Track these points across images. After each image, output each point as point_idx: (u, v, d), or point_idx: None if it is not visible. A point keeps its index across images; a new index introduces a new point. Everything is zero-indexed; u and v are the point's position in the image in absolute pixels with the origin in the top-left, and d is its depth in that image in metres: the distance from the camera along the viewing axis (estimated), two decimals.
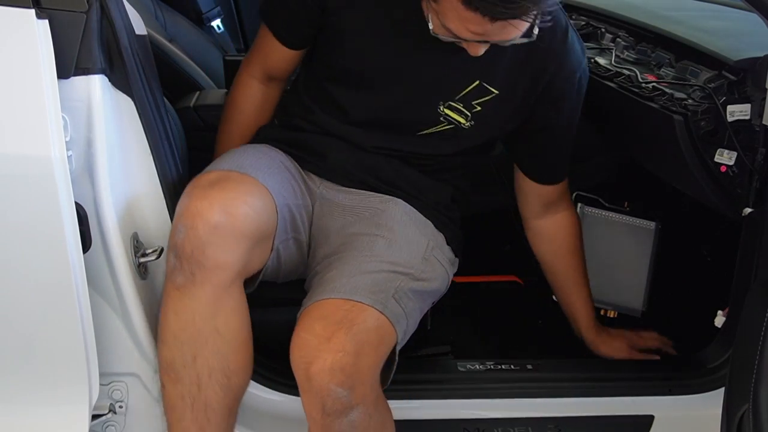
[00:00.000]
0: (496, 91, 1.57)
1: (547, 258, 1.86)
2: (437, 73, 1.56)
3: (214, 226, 1.34)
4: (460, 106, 1.57)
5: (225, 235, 1.35)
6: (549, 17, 1.39)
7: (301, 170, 1.64)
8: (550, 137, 1.71)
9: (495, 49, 1.46)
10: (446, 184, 1.70)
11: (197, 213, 1.35)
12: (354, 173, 1.63)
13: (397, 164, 1.64)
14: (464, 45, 1.44)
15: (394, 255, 1.50)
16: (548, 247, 1.85)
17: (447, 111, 1.58)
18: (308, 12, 1.56)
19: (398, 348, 1.44)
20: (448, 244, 1.66)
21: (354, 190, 1.64)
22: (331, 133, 1.62)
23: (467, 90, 1.57)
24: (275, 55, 1.66)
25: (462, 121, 1.58)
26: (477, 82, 1.56)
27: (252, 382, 1.56)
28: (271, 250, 1.50)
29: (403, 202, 1.63)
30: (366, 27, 1.55)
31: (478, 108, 1.58)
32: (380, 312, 1.38)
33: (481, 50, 1.44)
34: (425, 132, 1.60)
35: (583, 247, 1.88)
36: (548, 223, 1.83)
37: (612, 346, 1.84)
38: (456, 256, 1.71)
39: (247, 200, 1.40)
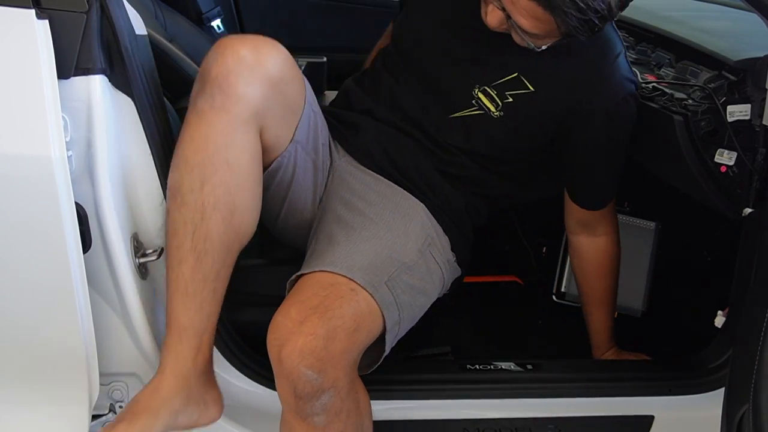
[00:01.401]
0: (532, 89, 1.61)
1: (577, 274, 1.89)
2: (481, 57, 1.63)
3: (241, 57, 1.37)
4: (493, 93, 1.62)
5: (250, 66, 1.38)
6: (579, 33, 1.43)
7: (330, 136, 1.69)
8: (585, 158, 1.71)
9: (542, 54, 1.54)
10: (461, 193, 1.69)
11: (229, 45, 1.38)
12: (374, 154, 1.66)
13: (418, 154, 1.66)
14: (483, 12, 1.54)
15: (391, 240, 1.52)
16: (578, 265, 1.87)
17: (480, 95, 1.62)
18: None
19: (388, 336, 1.44)
20: (452, 250, 1.66)
21: (370, 171, 1.66)
22: (370, 109, 1.69)
23: (505, 79, 1.61)
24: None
25: (492, 108, 1.62)
26: (516, 74, 1.61)
27: (250, 381, 1.57)
28: (292, 140, 1.51)
29: (415, 199, 1.64)
30: (428, 9, 1.70)
31: (510, 99, 1.61)
32: (370, 294, 1.40)
33: (495, 19, 1.50)
34: (456, 114, 1.64)
35: (616, 273, 1.86)
36: (582, 242, 1.83)
37: None
38: (460, 265, 1.71)
39: (280, 51, 1.43)
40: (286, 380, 1.35)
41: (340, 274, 1.40)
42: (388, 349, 1.47)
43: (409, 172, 1.65)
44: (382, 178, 1.65)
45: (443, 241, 1.64)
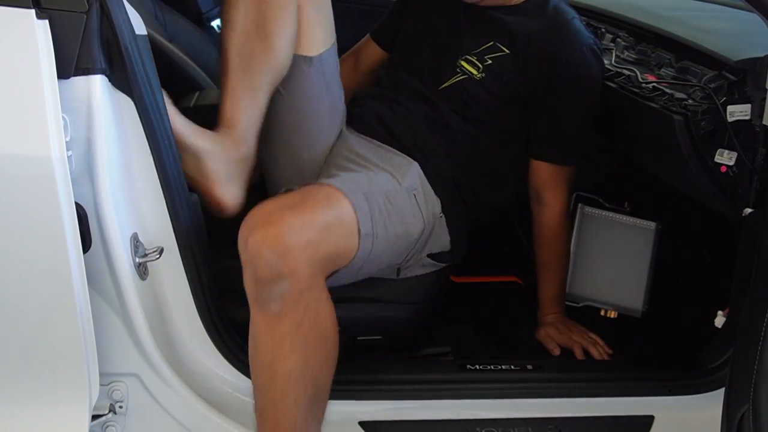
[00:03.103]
0: (508, 51, 1.83)
1: (533, 237, 2.00)
2: (459, 35, 1.87)
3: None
4: (474, 59, 1.83)
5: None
6: None
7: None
8: (543, 104, 1.84)
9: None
10: (453, 162, 1.80)
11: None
12: (370, 123, 1.82)
13: (413, 122, 1.81)
14: None
15: (377, 174, 1.68)
16: (533, 230, 1.99)
17: (463, 63, 1.84)
18: (398, 12, 2.03)
19: (362, 242, 1.54)
20: (442, 211, 1.76)
21: (368, 137, 1.80)
22: (373, 95, 1.89)
23: (483, 47, 1.84)
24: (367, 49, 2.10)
25: (474, 72, 1.82)
26: (492, 42, 1.84)
27: (250, 381, 1.56)
28: None
29: (409, 158, 1.76)
30: (420, 10, 1.96)
31: (489, 61, 1.83)
32: (347, 200, 1.53)
33: None
34: (445, 84, 1.83)
35: (558, 248, 1.96)
36: (534, 210, 1.97)
37: (540, 332, 1.95)
38: (453, 242, 1.79)
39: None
40: (249, 266, 1.44)
41: (321, 183, 1.57)
42: (361, 255, 1.56)
43: (403, 137, 1.79)
44: (378, 141, 1.79)
45: (431, 196, 1.75)
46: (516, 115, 1.86)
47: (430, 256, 1.76)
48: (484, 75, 1.81)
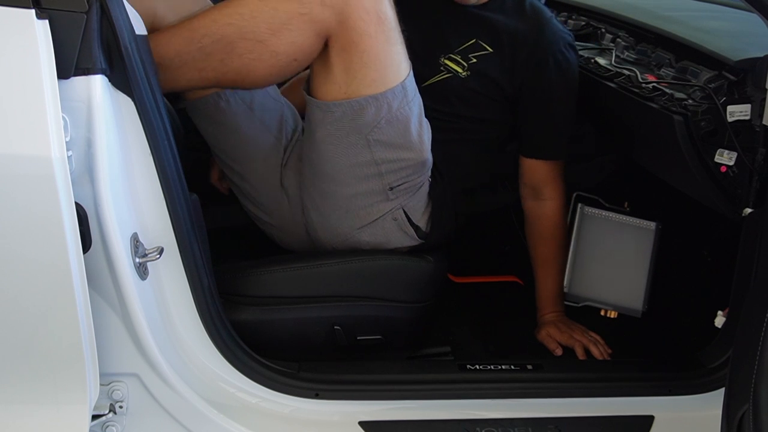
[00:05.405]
0: (491, 49, 1.87)
1: (528, 237, 2.03)
2: (441, 33, 1.89)
3: None
4: (458, 58, 1.87)
5: None
6: None
7: None
8: (533, 104, 1.89)
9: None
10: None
11: None
12: None
13: None
14: None
15: None
16: (526, 229, 2.03)
17: (446, 61, 1.88)
18: None
19: None
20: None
21: None
22: None
23: (465, 45, 1.87)
24: None
25: (459, 70, 1.86)
26: (474, 41, 1.87)
27: (252, 383, 1.57)
28: None
29: None
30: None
31: (474, 60, 1.86)
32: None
33: None
34: (428, 83, 1.86)
35: (560, 241, 1.98)
36: (530, 207, 1.99)
37: (541, 332, 1.96)
38: (436, 210, 1.81)
39: None
40: None
41: None
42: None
43: None
44: None
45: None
46: (497, 108, 1.90)
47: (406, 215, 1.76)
48: (469, 73, 1.86)
